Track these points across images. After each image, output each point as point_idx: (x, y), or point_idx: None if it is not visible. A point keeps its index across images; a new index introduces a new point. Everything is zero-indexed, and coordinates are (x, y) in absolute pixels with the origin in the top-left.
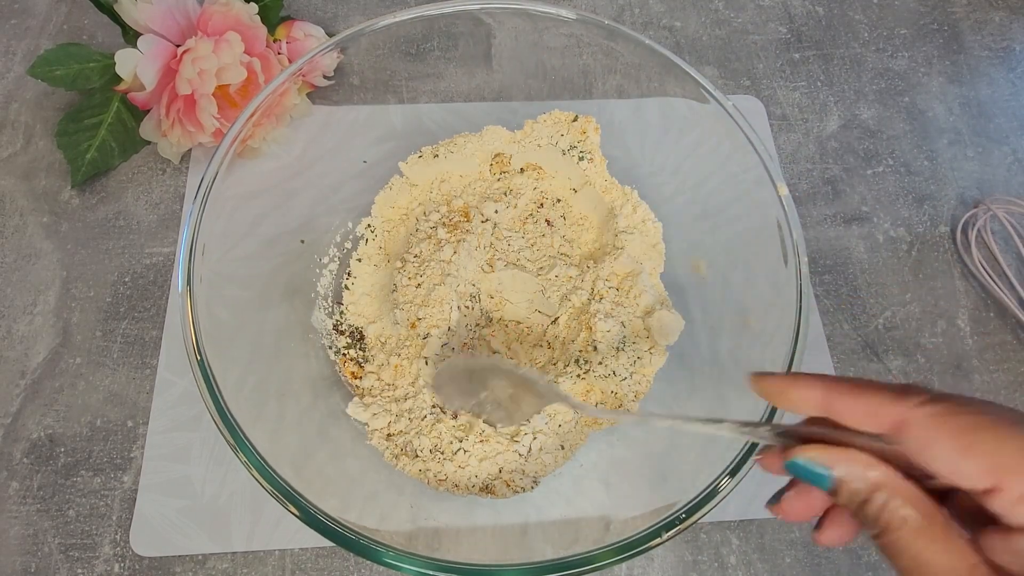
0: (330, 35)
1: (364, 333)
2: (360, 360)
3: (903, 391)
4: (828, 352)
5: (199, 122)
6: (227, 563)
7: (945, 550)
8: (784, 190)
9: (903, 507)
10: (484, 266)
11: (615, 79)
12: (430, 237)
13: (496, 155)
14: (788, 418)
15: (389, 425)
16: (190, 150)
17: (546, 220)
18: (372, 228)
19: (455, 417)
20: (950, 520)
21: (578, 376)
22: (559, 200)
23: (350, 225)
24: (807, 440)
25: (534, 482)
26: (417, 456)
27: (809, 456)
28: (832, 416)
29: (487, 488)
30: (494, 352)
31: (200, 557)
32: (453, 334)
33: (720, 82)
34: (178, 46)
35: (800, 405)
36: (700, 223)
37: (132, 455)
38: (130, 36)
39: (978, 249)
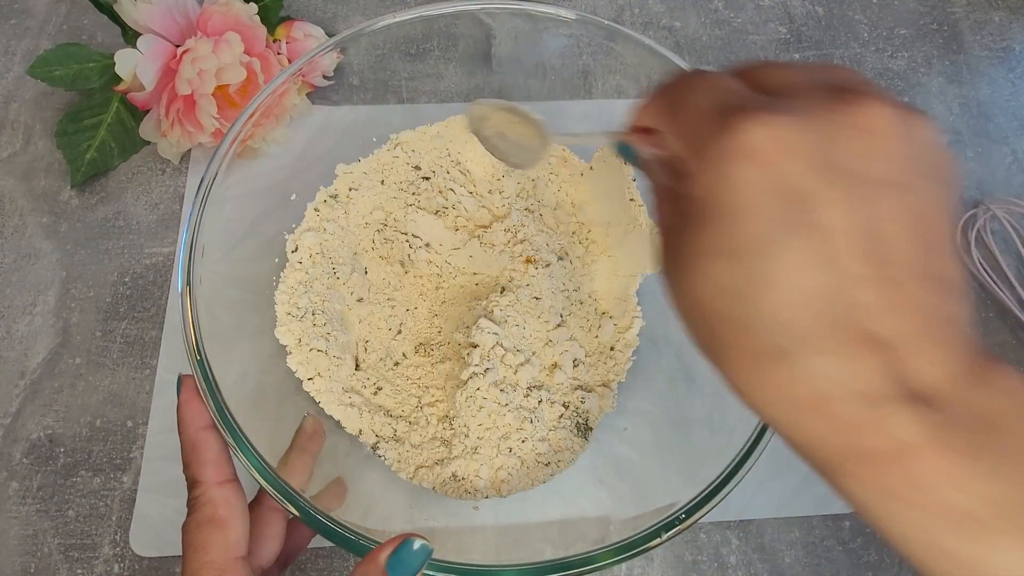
0: (330, 35)
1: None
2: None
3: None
4: None
5: (199, 122)
6: None
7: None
8: None
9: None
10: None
11: (615, 79)
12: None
13: None
14: None
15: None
16: (190, 150)
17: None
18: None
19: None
20: None
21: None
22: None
23: None
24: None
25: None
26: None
27: (623, 140)
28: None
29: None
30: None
31: None
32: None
33: None
34: (178, 46)
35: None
36: None
37: (132, 455)
38: (130, 36)
39: (978, 249)
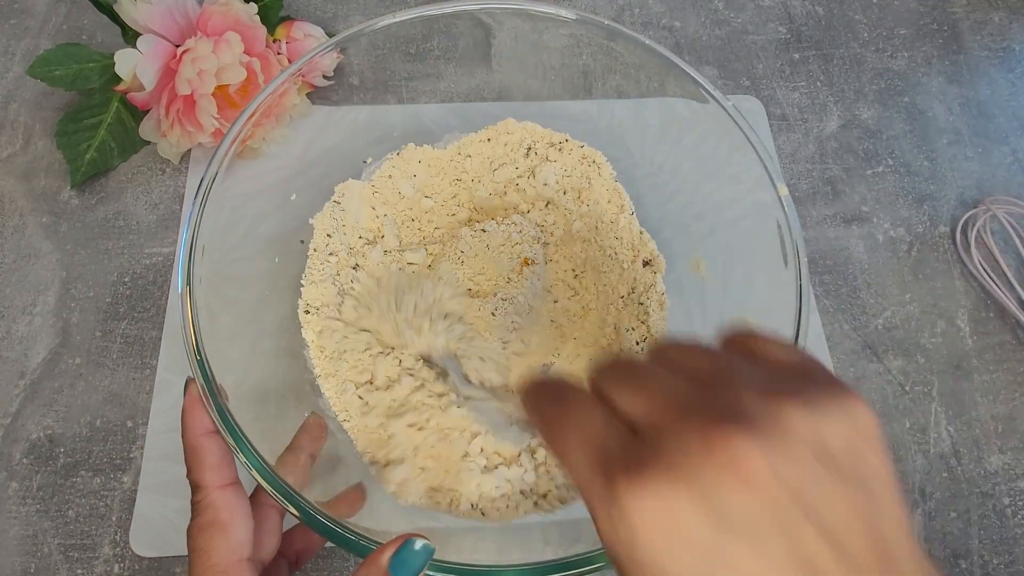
0: (330, 35)
1: None
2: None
3: None
4: (828, 352)
5: (199, 122)
6: None
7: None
8: (784, 190)
9: None
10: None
11: (615, 79)
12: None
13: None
14: None
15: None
16: (190, 150)
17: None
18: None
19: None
20: None
21: None
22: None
23: None
24: None
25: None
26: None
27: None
28: None
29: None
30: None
31: None
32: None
33: (720, 82)
34: (178, 46)
35: None
36: (700, 223)
37: (132, 455)
38: (130, 36)
39: (978, 249)
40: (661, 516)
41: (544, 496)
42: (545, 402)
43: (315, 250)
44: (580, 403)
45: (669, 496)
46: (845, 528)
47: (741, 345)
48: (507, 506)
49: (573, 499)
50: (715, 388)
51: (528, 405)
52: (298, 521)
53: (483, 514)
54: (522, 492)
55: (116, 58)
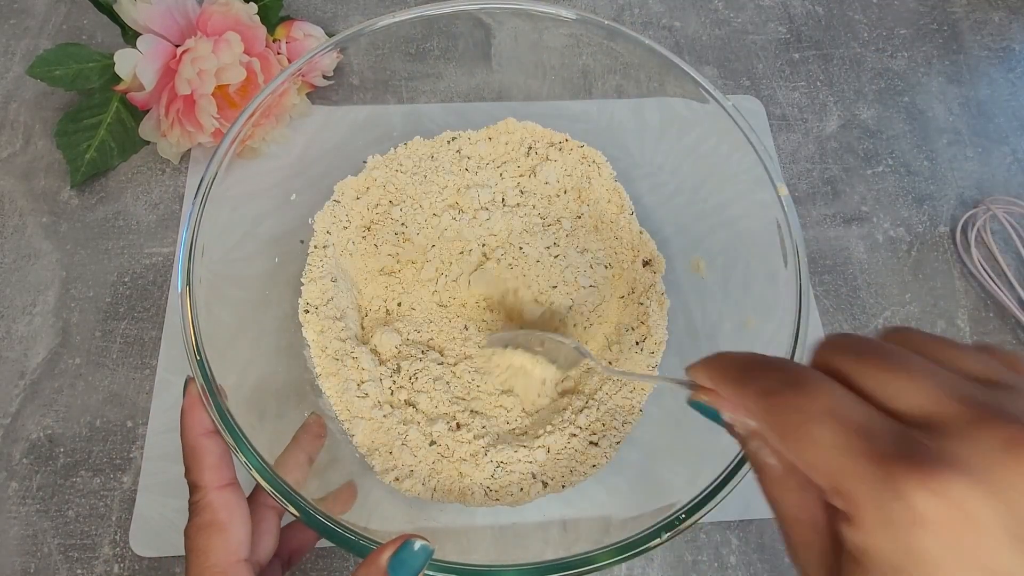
0: (330, 35)
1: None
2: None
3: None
4: None
5: (199, 122)
6: None
7: (794, 500)
8: (784, 190)
9: (769, 456)
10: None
11: (615, 79)
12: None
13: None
14: None
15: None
16: (190, 150)
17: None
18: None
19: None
20: (806, 479)
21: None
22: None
23: None
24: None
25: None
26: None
27: (701, 399)
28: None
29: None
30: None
31: None
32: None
33: (720, 82)
34: (177, 46)
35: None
36: (700, 223)
37: (132, 455)
38: (129, 36)
39: (978, 249)
40: (958, 524)
41: (553, 478)
42: (762, 380)
43: (315, 248)
44: (818, 384)
45: (971, 503)
46: None
47: (996, 356)
48: (521, 489)
49: (579, 481)
50: (1001, 391)
51: (733, 385)
52: (291, 521)
53: (497, 500)
54: (533, 475)
55: (116, 58)
